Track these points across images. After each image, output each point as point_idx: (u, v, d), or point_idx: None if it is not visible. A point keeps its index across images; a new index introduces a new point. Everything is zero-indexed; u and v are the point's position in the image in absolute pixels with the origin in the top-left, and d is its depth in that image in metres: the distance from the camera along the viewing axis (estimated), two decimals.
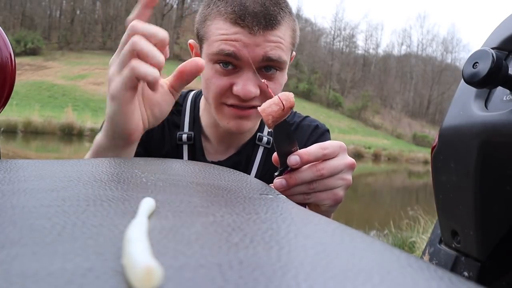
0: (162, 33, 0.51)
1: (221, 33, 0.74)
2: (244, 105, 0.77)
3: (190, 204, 0.30)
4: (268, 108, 0.50)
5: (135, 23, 0.51)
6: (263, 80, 0.62)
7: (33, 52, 33.96)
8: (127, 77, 0.51)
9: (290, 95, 0.51)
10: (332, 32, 58.11)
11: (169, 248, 0.20)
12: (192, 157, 0.88)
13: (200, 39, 0.80)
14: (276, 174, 0.56)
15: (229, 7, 0.73)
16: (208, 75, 0.77)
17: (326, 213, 0.59)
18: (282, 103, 0.50)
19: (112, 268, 0.17)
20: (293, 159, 0.53)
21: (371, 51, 62.04)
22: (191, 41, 0.86)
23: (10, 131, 14.20)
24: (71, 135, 16.15)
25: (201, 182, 0.38)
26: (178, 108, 0.92)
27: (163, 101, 0.59)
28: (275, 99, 0.50)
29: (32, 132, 15.22)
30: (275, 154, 0.56)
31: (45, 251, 0.19)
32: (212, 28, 0.75)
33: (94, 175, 0.36)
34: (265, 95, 0.77)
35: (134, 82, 0.51)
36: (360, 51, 61.35)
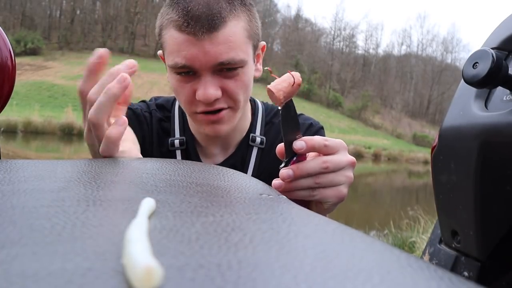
0: (112, 87, 0.51)
1: (172, 44, 0.74)
2: (211, 110, 0.77)
3: (190, 204, 0.30)
4: (278, 85, 0.51)
5: (83, 93, 0.53)
6: (271, 69, 0.60)
7: (33, 52, 33.97)
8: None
9: (298, 74, 0.53)
10: (332, 32, 58.11)
11: (169, 248, 0.20)
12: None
13: (162, 50, 0.80)
14: (281, 166, 0.55)
15: (175, 14, 0.73)
16: (173, 85, 0.78)
17: (326, 211, 0.59)
18: (293, 78, 0.51)
19: (112, 268, 0.17)
20: (298, 143, 0.53)
21: (371, 51, 62.07)
22: (159, 52, 0.85)
23: (10, 131, 14.20)
24: (71, 135, 16.15)
25: (201, 182, 0.38)
26: (166, 114, 0.92)
27: None
28: (284, 76, 0.52)
29: (32, 132, 15.23)
30: (280, 145, 0.56)
31: (45, 251, 0.19)
32: (166, 38, 0.76)
33: (94, 175, 0.36)
34: (228, 96, 0.76)
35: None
36: (360, 51, 61.36)
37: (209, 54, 0.72)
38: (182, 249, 0.20)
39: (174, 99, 0.94)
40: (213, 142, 0.89)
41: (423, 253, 0.79)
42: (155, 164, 0.46)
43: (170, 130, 0.90)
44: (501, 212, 0.60)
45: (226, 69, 0.75)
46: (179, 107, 0.92)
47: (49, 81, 26.91)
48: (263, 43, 0.84)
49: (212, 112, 0.77)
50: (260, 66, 0.85)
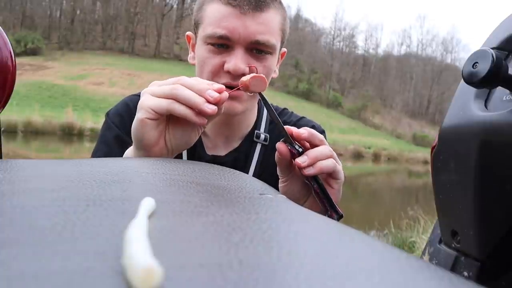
0: (199, 85, 0.58)
1: (215, 15, 0.78)
2: (235, 84, 0.80)
3: (190, 204, 0.30)
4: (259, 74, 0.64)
5: (182, 77, 0.60)
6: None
7: (33, 52, 33.93)
8: (161, 106, 0.57)
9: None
10: (332, 32, 58.09)
11: (169, 248, 0.20)
12: (192, 150, 0.88)
13: (196, 25, 0.84)
14: (282, 139, 0.62)
15: None
16: (202, 56, 0.81)
17: (339, 192, 0.66)
18: (255, 69, 0.71)
19: (112, 268, 0.17)
20: (301, 158, 0.60)
21: (371, 51, 62.05)
22: (188, 33, 0.90)
23: (10, 131, 14.19)
24: (71, 135, 16.15)
25: (201, 182, 0.38)
26: None
27: (184, 131, 0.64)
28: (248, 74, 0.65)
29: (32, 132, 15.22)
30: (278, 145, 0.61)
31: (45, 251, 0.19)
32: (207, 12, 0.80)
33: (94, 175, 0.36)
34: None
35: (163, 112, 0.58)
36: (360, 51, 61.35)
37: (249, 30, 0.77)
38: (182, 249, 0.20)
39: None
40: (218, 132, 0.91)
41: (423, 253, 0.79)
42: (155, 164, 0.46)
43: None
44: (501, 212, 0.60)
45: (257, 51, 0.80)
46: None
47: (49, 81, 26.89)
48: (284, 49, 0.89)
49: (233, 87, 0.81)
50: (277, 70, 0.89)
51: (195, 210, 0.28)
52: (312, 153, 0.60)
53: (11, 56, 0.59)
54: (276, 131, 0.94)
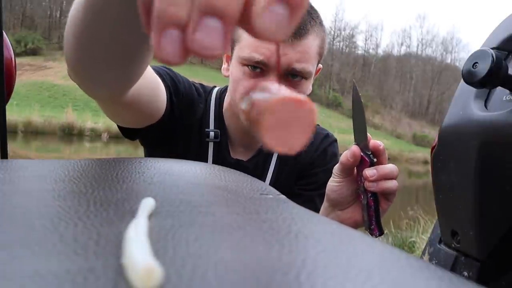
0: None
1: (253, 38, 0.77)
2: None
3: (190, 204, 0.30)
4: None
5: None
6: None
7: (33, 52, 33.92)
8: None
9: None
10: (332, 32, 58.08)
11: (169, 248, 0.20)
12: (217, 153, 0.90)
13: (233, 42, 0.84)
14: (355, 143, 0.63)
15: None
16: (236, 77, 0.81)
17: (384, 213, 0.67)
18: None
19: (112, 268, 0.17)
20: (371, 172, 0.61)
21: (371, 51, 62.03)
22: None
23: (10, 131, 14.18)
24: (71, 135, 16.14)
25: (201, 182, 0.38)
26: (203, 101, 0.93)
27: None
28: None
29: (32, 132, 15.22)
30: (354, 148, 0.62)
31: (45, 251, 0.19)
32: (245, 33, 0.79)
33: (94, 175, 0.36)
34: None
35: None
36: (360, 51, 61.33)
37: (287, 57, 0.76)
38: (182, 249, 0.20)
39: (211, 90, 0.96)
40: (242, 140, 0.92)
41: (423, 253, 0.79)
42: (154, 164, 0.46)
43: (205, 120, 0.92)
44: (500, 212, 0.60)
45: (292, 76, 0.79)
46: (216, 99, 0.94)
47: (49, 81, 26.86)
48: (320, 65, 0.89)
49: None
50: (310, 87, 0.90)
51: (195, 210, 0.28)
52: (382, 170, 0.61)
53: (11, 56, 0.59)
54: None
